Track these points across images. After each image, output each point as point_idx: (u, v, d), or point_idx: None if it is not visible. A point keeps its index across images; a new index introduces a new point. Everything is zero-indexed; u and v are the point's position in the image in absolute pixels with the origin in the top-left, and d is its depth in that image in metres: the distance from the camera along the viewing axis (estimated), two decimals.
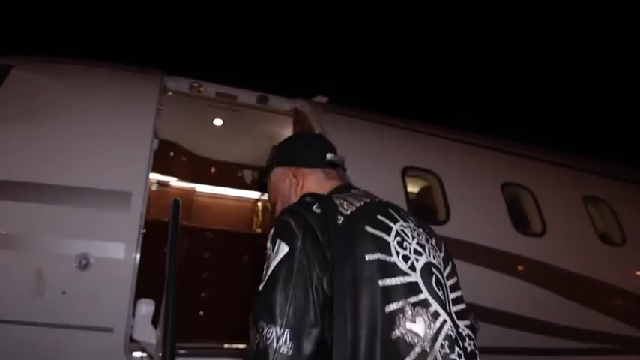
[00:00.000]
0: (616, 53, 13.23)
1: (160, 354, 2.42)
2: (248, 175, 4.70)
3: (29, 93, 2.97)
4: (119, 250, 2.80)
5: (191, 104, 3.88)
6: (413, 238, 1.22)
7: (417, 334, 1.07)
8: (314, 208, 1.21)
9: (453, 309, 1.17)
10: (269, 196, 1.63)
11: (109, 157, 2.91)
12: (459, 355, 1.09)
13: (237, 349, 3.19)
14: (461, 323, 1.16)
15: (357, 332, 1.05)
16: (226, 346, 3.29)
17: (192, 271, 3.94)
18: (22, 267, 2.65)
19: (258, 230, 4.55)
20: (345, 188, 1.40)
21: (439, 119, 4.98)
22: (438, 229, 3.72)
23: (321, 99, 4.01)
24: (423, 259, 1.18)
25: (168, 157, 4.36)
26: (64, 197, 2.78)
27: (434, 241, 1.29)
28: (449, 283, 1.24)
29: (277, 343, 1.06)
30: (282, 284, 1.12)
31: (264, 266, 1.20)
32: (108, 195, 2.85)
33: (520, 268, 3.73)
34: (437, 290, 1.14)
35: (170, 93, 3.52)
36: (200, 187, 4.54)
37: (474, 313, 1.32)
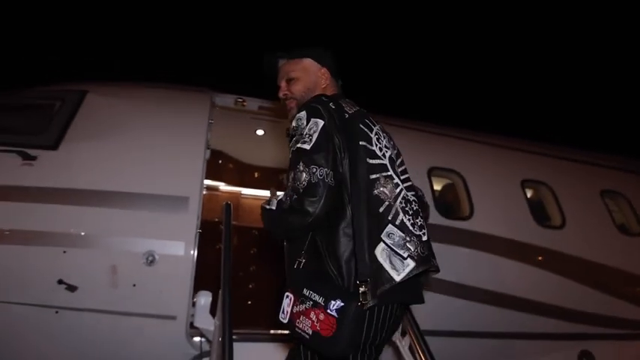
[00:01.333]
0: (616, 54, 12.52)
1: (219, 339, 2.45)
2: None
3: (102, 114, 3.06)
4: (180, 248, 2.84)
5: (236, 117, 3.93)
6: (383, 138, 1.71)
7: (386, 194, 1.56)
8: (330, 104, 1.65)
9: (405, 185, 1.64)
10: (288, 74, 1.85)
11: (170, 167, 2.97)
12: (410, 209, 1.59)
13: (282, 334, 3.19)
14: (409, 193, 1.64)
15: (356, 186, 1.53)
16: (272, 332, 3.28)
17: (241, 265, 3.97)
18: (99, 263, 2.72)
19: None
20: (342, 96, 1.83)
21: (444, 119, 4.81)
22: (462, 224, 3.62)
23: None
24: (388, 153, 1.66)
25: (217, 164, 4.42)
26: (133, 203, 2.84)
27: (392, 142, 1.79)
28: (400, 169, 1.71)
29: (326, 179, 1.48)
30: (325, 144, 1.54)
31: (298, 134, 1.59)
32: (169, 200, 2.90)
33: (541, 258, 3.57)
34: (397, 171, 1.64)
35: (218, 108, 3.57)
36: (245, 190, 4.58)
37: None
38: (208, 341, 2.79)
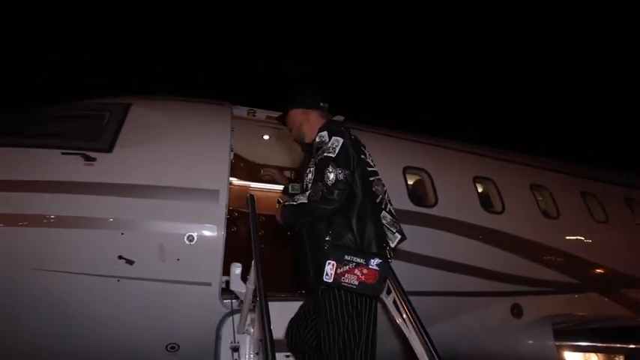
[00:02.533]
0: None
1: (250, 298, 2.80)
2: (287, 175, 5.05)
3: (145, 123, 3.31)
4: (213, 230, 3.11)
5: (248, 125, 4.20)
6: (370, 156, 2.26)
7: (379, 191, 2.15)
8: (343, 128, 2.15)
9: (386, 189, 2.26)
10: (288, 124, 2.50)
11: (203, 166, 3.26)
12: (390, 201, 2.21)
13: (283, 296, 3.44)
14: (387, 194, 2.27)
15: (363, 185, 2.08)
16: (283, 294, 3.61)
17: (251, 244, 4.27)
18: (150, 243, 2.98)
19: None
20: (340, 122, 2.48)
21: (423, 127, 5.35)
22: (429, 210, 4.13)
23: (339, 118, 4.39)
24: (375, 169, 2.23)
25: (232, 163, 4.69)
26: (175, 195, 3.11)
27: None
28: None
29: (348, 177, 1.96)
30: (344, 154, 2.02)
31: (325, 147, 2.07)
32: (204, 192, 3.17)
33: (486, 236, 4.14)
34: (381, 180, 2.23)
35: (234, 118, 3.89)
36: (253, 184, 4.83)
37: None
38: (237, 300, 3.06)
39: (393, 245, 2.06)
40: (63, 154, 2.98)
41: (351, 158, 2.04)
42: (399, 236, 2.11)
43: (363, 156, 2.18)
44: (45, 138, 3.08)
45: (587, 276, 4.62)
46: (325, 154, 2.02)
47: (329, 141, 2.06)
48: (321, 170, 2.02)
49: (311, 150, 2.26)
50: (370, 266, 1.89)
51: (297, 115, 2.45)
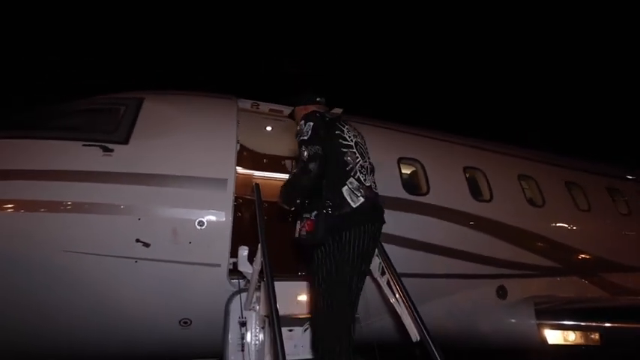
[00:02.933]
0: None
1: (257, 277, 3.01)
2: (288, 164, 5.16)
3: (158, 116, 3.51)
4: (222, 216, 3.31)
5: (252, 117, 4.33)
6: (351, 131, 2.61)
7: (351, 161, 2.45)
8: (317, 114, 2.55)
9: (364, 158, 2.57)
10: (295, 119, 2.85)
11: (213, 156, 3.46)
12: (365, 172, 2.51)
13: (284, 276, 3.56)
14: (366, 163, 2.57)
15: (333, 157, 2.45)
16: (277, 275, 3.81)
17: (255, 228, 4.47)
18: (165, 227, 3.19)
19: (297, 201, 5.10)
20: (327, 109, 2.79)
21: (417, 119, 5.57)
22: (421, 199, 4.39)
23: (338, 110, 4.57)
24: (354, 140, 2.57)
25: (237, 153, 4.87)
26: (188, 183, 3.31)
27: (360, 135, 2.70)
28: (363, 150, 2.62)
29: (318, 151, 2.35)
30: (317, 134, 2.40)
31: (300, 132, 2.46)
32: (213, 181, 3.38)
33: (475, 222, 4.40)
34: (360, 151, 2.57)
35: (240, 111, 4.08)
36: (257, 173, 5.01)
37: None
38: (244, 279, 3.26)
39: (354, 206, 2.37)
40: (84, 145, 3.20)
41: (321, 136, 2.44)
42: (362, 199, 2.40)
43: (339, 132, 2.56)
44: (67, 131, 3.30)
45: (568, 260, 4.89)
46: (301, 138, 2.45)
47: (304, 127, 2.46)
48: (299, 152, 2.45)
49: None
50: (311, 218, 2.34)
51: (299, 111, 2.83)
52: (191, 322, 3.36)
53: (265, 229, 2.80)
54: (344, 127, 2.62)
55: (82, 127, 3.38)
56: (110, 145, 3.27)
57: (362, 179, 2.47)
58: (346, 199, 2.37)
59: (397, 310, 2.75)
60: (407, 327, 2.62)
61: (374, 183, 2.60)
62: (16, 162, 3.08)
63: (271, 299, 2.29)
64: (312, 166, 2.34)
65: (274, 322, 2.13)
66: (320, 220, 2.31)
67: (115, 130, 3.38)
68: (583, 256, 5.02)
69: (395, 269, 2.81)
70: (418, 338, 2.51)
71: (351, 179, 2.42)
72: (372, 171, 2.65)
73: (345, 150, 2.50)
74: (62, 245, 3.02)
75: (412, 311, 2.49)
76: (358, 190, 2.41)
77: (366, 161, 2.60)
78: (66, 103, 3.66)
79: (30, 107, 3.59)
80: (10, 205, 2.97)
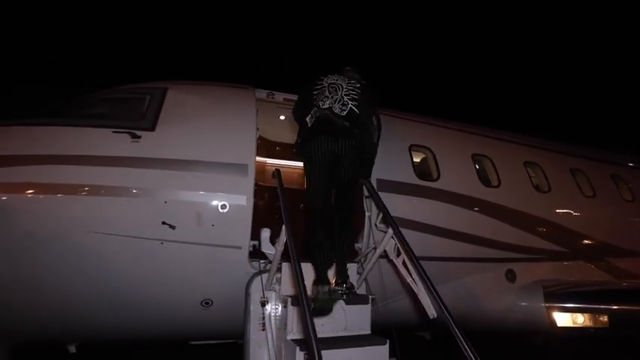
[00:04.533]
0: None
1: (279, 258, 3.09)
2: None
3: (181, 105, 3.63)
4: (243, 200, 3.42)
5: (266, 106, 4.41)
6: (330, 79, 3.31)
7: (319, 98, 3.20)
8: (309, 83, 3.41)
9: (328, 93, 3.21)
10: None
11: (234, 143, 3.58)
12: (327, 99, 3.19)
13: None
14: (337, 93, 3.21)
15: (307, 99, 3.33)
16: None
17: (270, 213, 4.38)
18: (189, 210, 3.29)
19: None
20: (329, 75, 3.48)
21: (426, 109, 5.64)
22: (432, 184, 4.47)
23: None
24: (329, 81, 3.28)
25: None
26: (211, 168, 3.42)
27: (342, 80, 3.32)
28: (345, 92, 3.23)
29: (297, 109, 3.38)
30: (298, 100, 3.46)
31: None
32: (235, 167, 3.50)
33: (484, 207, 4.49)
34: (332, 87, 3.24)
35: (257, 100, 4.19)
36: (270, 160, 5.17)
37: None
38: (263, 260, 3.35)
39: (309, 125, 3.21)
40: (113, 132, 3.32)
41: (300, 98, 3.43)
42: (314, 119, 3.17)
43: (320, 81, 3.30)
44: (97, 119, 3.42)
45: (574, 245, 5.00)
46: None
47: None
48: None
49: None
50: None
51: None
52: (212, 302, 3.48)
53: (276, 215, 2.90)
54: (325, 77, 3.32)
55: (110, 115, 3.50)
56: (138, 132, 3.39)
57: (320, 105, 3.14)
58: (307, 123, 3.18)
59: (414, 289, 2.76)
60: (424, 305, 2.65)
61: (340, 105, 3.12)
62: (54, 147, 3.21)
63: (299, 278, 2.35)
64: (295, 109, 3.49)
65: (303, 299, 2.19)
66: (300, 140, 3.27)
67: (141, 117, 3.51)
68: (588, 240, 5.13)
69: (411, 249, 2.85)
70: (435, 315, 2.57)
71: (314, 109, 3.15)
72: (341, 99, 3.15)
73: (315, 93, 3.24)
74: (92, 227, 3.14)
75: (430, 288, 2.52)
76: (315, 114, 3.13)
77: (337, 92, 3.18)
78: (91, 94, 3.78)
79: (66, 98, 3.69)
80: (45, 189, 3.09)
